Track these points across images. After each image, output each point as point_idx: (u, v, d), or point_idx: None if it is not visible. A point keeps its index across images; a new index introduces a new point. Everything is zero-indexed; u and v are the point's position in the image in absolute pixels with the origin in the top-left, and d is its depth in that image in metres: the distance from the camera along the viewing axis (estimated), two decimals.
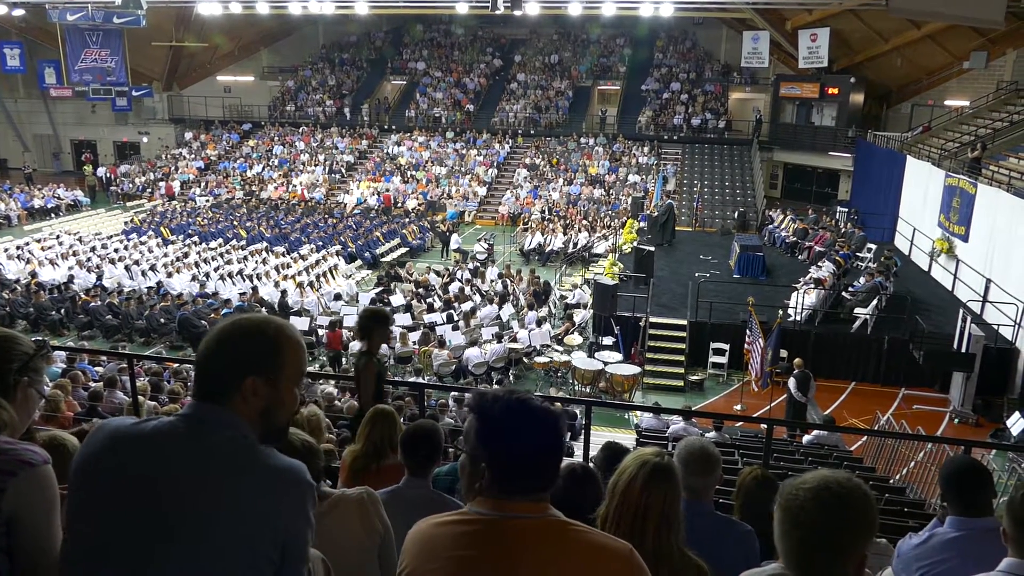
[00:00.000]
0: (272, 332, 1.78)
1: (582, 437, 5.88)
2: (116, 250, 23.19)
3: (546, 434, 1.77)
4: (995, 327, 14.85)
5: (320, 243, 25.02)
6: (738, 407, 14.14)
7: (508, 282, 20.44)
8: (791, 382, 12.58)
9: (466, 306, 17.95)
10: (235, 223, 27.83)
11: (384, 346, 15.34)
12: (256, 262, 22.52)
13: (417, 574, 1.78)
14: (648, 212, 25.16)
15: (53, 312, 17.80)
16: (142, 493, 1.65)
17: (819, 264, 18.73)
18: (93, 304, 17.83)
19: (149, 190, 34.56)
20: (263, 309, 18.13)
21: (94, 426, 1.80)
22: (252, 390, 1.74)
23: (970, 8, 19.56)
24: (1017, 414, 12.52)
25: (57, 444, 2.90)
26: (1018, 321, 14.62)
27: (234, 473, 1.67)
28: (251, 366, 1.74)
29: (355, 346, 15.32)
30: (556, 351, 15.81)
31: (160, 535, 1.63)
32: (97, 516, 1.67)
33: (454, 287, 19.92)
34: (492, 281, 20.89)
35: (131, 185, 34.89)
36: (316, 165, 35.19)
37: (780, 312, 15.16)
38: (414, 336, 15.96)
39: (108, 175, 35.70)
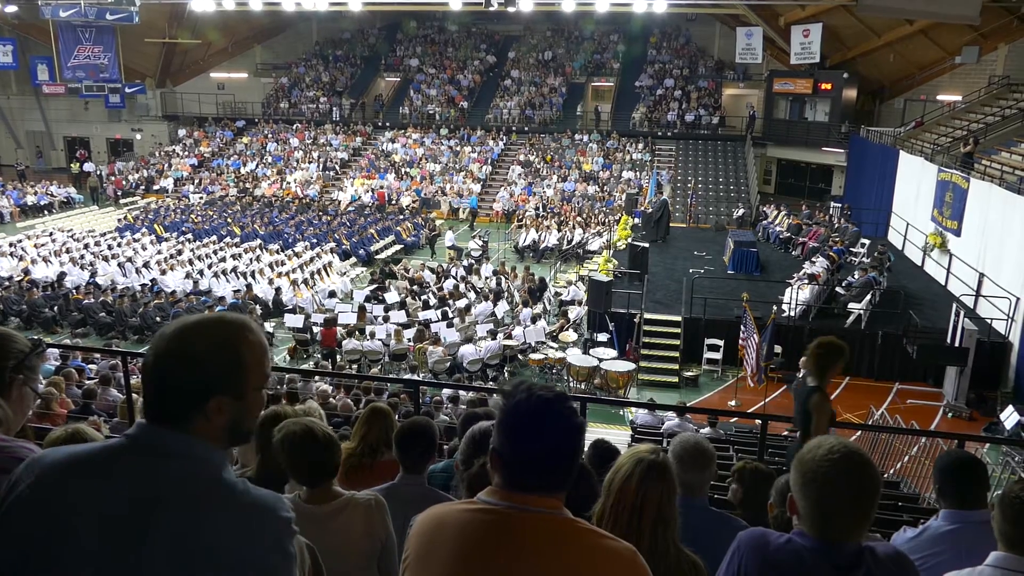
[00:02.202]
0: (235, 342, 1.58)
1: None
2: (110, 247, 23.13)
3: (557, 436, 1.76)
4: (988, 321, 14.89)
5: (314, 240, 24.95)
6: (733, 403, 14.17)
7: (503, 279, 20.44)
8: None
9: (461, 303, 17.95)
10: (229, 220, 27.75)
11: (379, 342, 15.37)
12: (250, 259, 22.47)
13: (421, 560, 1.79)
14: (642, 208, 25.18)
15: (46, 309, 17.75)
16: (88, 533, 1.46)
17: (813, 260, 18.78)
18: (86, 302, 17.78)
19: (143, 187, 34.52)
20: (257, 307, 18.12)
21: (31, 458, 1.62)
22: (217, 409, 1.56)
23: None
24: (1010, 408, 12.58)
25: (80, 438, 2.91)
26: (1011, 315, 14.68)
27: (200, 512, 1.48)
28: (216, 385, 1.55)
29: (350, 344, 15.36)
30: (551, 348, 15.83)
31: None
32: (36, 560, 1.47)
33: (449, 284, 19.92)
34: (487, 278, 20.89)
35: (125, 182, 34.77)
36: (310, 162, 35.11)
37: (774, 308, 15.20)
38: (409, 333, 15.96)
39: (100, 172, 35.57)
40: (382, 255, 24.85)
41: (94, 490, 1.49)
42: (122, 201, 33.12)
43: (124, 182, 34.40)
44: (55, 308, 17.87)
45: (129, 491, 1.48)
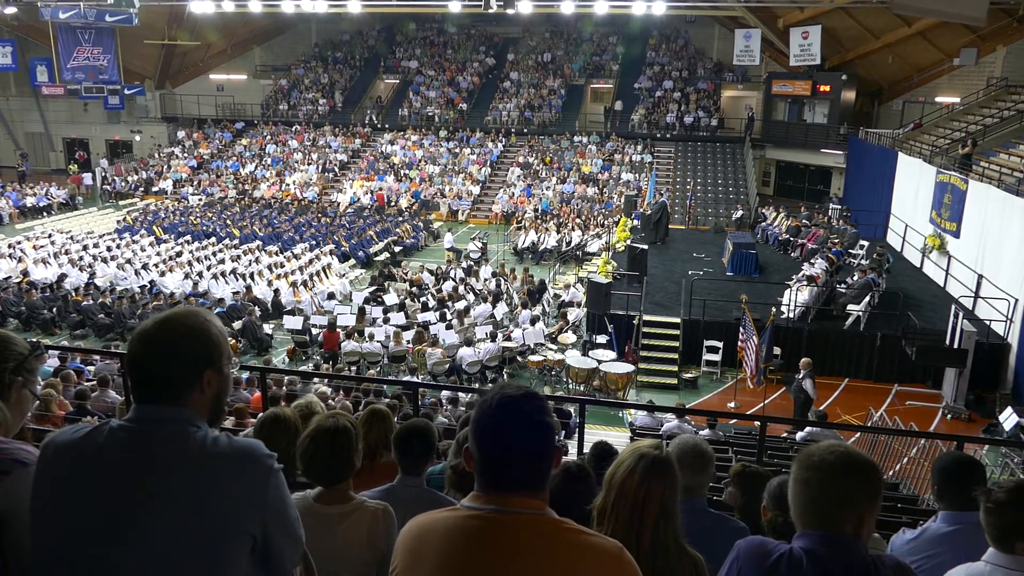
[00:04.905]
0: (211, 326, 1.86)
1: (576, 435, 5.88)
2: (108, 249, 23.12)
3: (522, 435, 1.74)
4: (987, 323, 14.89)
5: (313, 242, 24.96)
6: (732, 404, 14.17)
7: (502, 281, 20.44)
8: (807, 382, 12.61)
9: (460, 305, 17.94)
10: (228, 222, 27.75)
11: (378, 344, 15.37)
12: (249, 261, 22.46)
13: (409, 570, 1.78)
14: (641, 210, 25.19)
15: (45, 311, 17.74)
16: (101, 502, 1.70)
17: (812, 261, 18.77)
18: (85, 303, 17.77)
19: (142, 188, 34.55)
20: (256, 308, 18.12)
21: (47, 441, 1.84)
22: (208, 381, 1.82)
23: (960, 6, 20.38)
24: (1009, 409, 12.58)
25: None
26: (1009, 316, 14.69)
27: (193, 466, 1.72)
28: (205, 361, 1.82)
29: (349, 346, 15.36)
30: (550, 349, 15.82)
31: (121, 540, 1.67)
32: (58, 528, 1.72)
33: (447, 286, 19.91)
34: (486, 280, 20.88)
35: (124, 184, 34.80)
36: (309, 164, 35.12)
37: (773, 309, 15.19)
38: (408, 335, 15.95)
39: (104, 173, 35.61)
40: (381, 257, 24.85)
41: (106, 464, 1.72)
42: (121, 203, 33.10)
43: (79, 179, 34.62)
44: (54, 310, 17.86)
45: (135, 460, 1.72)
